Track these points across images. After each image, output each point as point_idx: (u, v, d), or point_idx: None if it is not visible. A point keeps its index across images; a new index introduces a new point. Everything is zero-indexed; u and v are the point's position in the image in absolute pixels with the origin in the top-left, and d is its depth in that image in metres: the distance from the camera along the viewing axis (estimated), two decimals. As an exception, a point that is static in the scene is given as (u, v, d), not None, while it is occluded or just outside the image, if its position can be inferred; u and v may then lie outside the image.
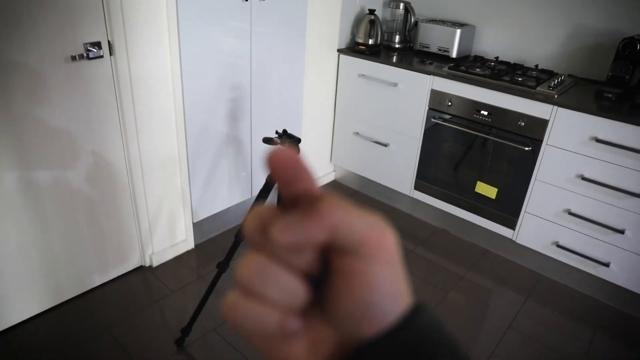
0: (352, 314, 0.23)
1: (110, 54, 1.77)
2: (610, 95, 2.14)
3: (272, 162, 0.23)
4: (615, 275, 2.13)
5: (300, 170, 0.24)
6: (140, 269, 2.25)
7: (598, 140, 1.99)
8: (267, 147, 0.23)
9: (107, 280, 2.14)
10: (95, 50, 1.72)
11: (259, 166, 2.53)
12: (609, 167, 2.00)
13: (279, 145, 0.23)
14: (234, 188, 2.47)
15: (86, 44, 1.69)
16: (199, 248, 2.44)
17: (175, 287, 2.16)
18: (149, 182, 2.09)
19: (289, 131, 1.64)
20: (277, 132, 1.60)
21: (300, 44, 2.48)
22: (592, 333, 2.08)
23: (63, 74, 1.67)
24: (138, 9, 1.77)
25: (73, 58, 1.67)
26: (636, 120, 1.90)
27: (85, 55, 1.70)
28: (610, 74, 2.19)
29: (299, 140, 1.58)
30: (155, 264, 2.26)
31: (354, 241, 0.23)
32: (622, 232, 2.04)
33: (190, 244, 2.41)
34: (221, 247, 2.45)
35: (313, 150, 2.92)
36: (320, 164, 3.06)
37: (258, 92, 2.35)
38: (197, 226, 2.40)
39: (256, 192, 2.58)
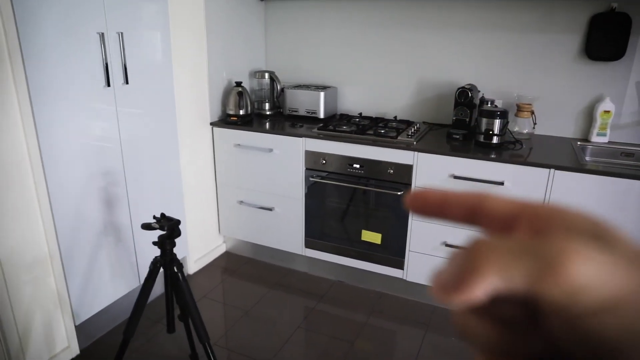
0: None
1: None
2: (458, 137, 2.45)
3: (413, 207, 0.23)
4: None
5: (440, 201, 0.22)
6: (13, 392, 1.95)
7: (455, 177, 2.24)
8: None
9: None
10: None
11: (143, 251, 2.39)
12: (469, 198, 2.24)
13: (416, 189, 0.23)
14: (118, 279, 2.30)
15: None
16: (86, 353, 2.19)
17: (60, 404, 1.90)
18: (14, 289, 1.86)
19: (169, 211, 1.60)
20: (154, 217, 1.55)
21: (171, 122, 2.47)
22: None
23: None
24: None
25: None
26: (479, 155, 2.19)
27: None
28: (454, 118, 2.51)
29: (178, 222, 1.54)
30: (32, 382, 1.98)
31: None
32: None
33: (74, 351, 2.16)
34: (110, 347, 2.23)
35: (200, 225, 2.86)
36: (210, 237, 2.99)
37: (133, 174, 2.27)
38: (80, 329, 2.17)
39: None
